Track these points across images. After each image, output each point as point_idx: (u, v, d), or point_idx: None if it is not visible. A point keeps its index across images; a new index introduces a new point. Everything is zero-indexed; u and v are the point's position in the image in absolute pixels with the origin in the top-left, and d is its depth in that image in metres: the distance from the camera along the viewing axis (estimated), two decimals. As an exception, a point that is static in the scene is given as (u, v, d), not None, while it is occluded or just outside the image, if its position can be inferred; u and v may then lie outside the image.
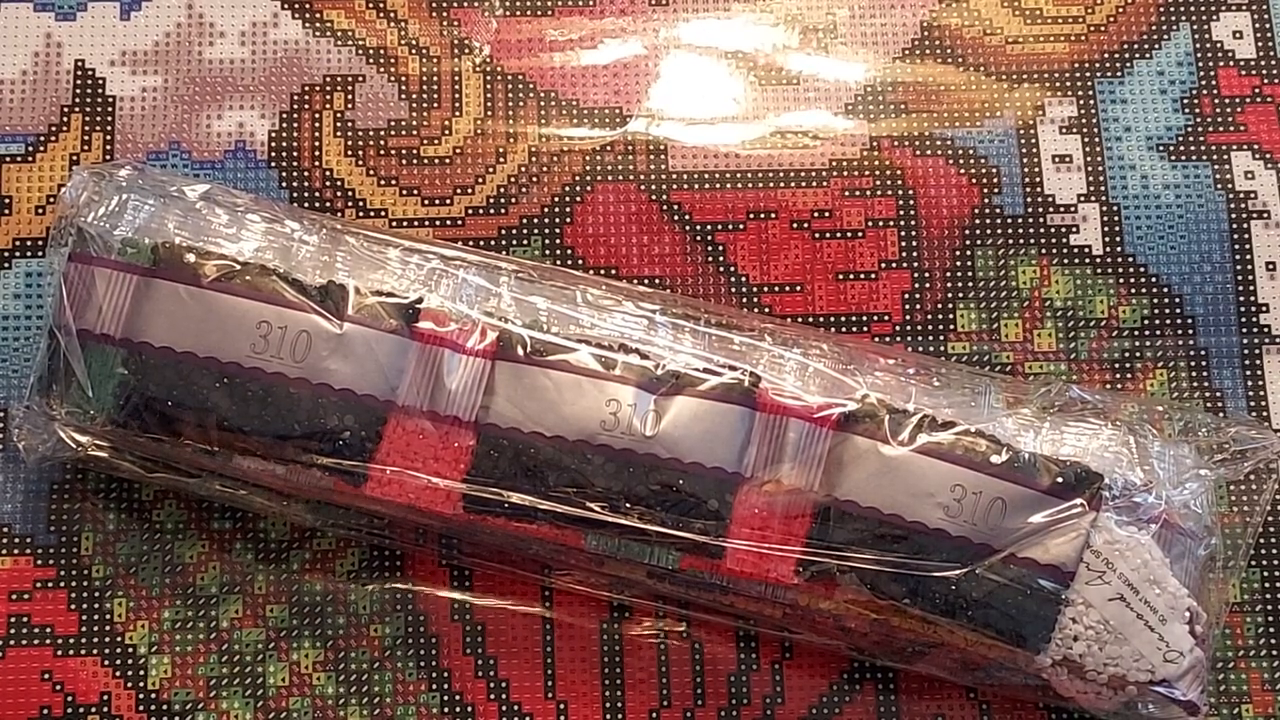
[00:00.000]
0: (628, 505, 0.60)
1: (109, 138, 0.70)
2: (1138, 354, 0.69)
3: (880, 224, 0.70)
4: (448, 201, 0.70)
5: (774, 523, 0.61)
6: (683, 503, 0.61)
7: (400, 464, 0.61)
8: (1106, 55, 0.73)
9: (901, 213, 0.70)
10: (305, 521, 0.65)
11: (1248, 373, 0.69)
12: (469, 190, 0.70)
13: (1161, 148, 0.71)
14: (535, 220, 0.70)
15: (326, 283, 0.61)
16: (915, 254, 0.70)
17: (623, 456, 0.60)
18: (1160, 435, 0.63)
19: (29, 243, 0.69)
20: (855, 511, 0.60)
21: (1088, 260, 0.70)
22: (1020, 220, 0.70)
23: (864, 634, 0.63)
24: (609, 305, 0.64)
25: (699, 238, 0.70)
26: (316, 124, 0.71)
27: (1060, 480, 0.60)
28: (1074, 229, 0.70)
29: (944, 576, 0.60)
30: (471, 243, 0.68)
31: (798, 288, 0.70)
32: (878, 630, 0.63)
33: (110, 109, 0.71)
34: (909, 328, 0.69)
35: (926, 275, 0.70)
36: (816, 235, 0.70)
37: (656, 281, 0.69)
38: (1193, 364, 0.69)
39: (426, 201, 0.70)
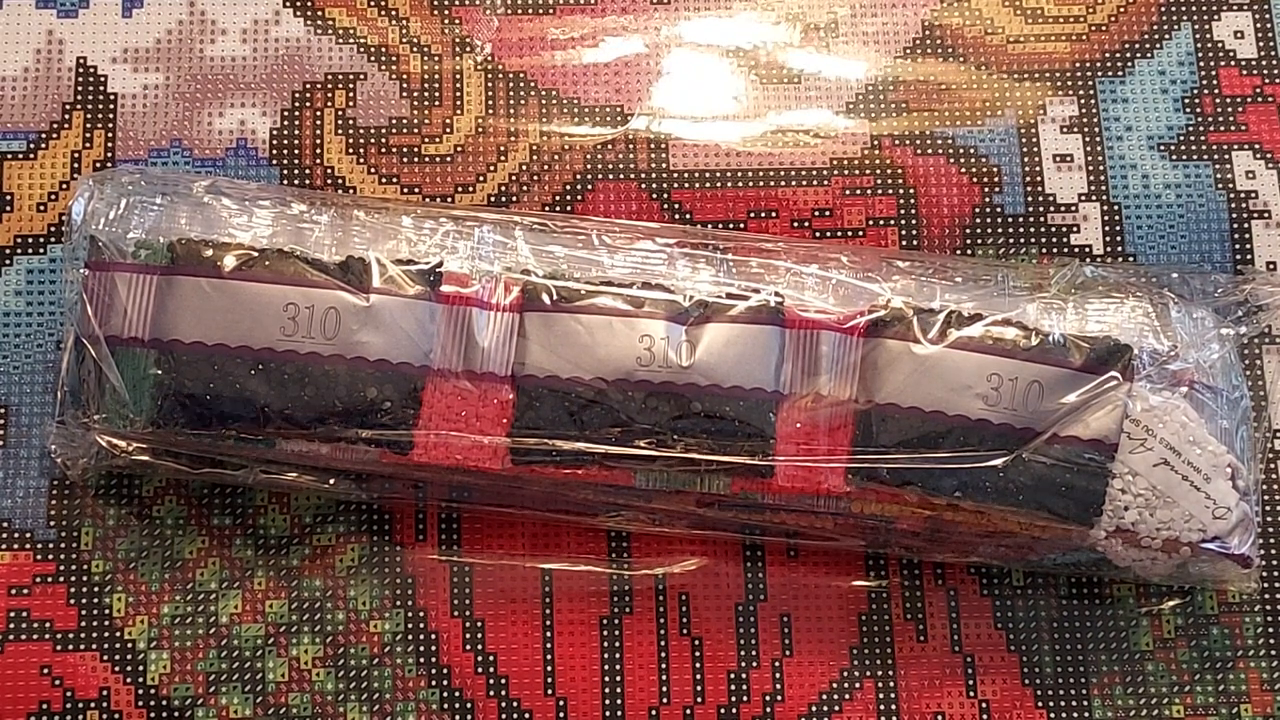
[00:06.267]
0: (674, 437, 0.61)
1: (110, 135, 0.70)
2: (1138, 353, 0.69)
3: (881, 223, 0.70)
4: (449, 199, 0.70)
5: (819, 435, 0.62)
6: (727, 427, 0.61)
7: (443, 427, 0.61)
8: (1108, 54, 0.73)
9: (902, 212, 0.70)
10: (355, 496, 0.65)
11: (1248, 372, 0.69)
12: (470, 188, 0.70)
13: (1162, 147, 0.71)
14: (536, 218, 0.70)
15: (346, 258, 0.62)
16: (916, 253, 0.70)
17: (663, 389, 0.61)
18: (1178, 300, 0.64)
19: (30, 240, 0.69)
20: (897, 414, 0.61)
21: (1088, 260, 0.70)
22: (1021, 219, 0.70)
23: (916, 534, 0.64)
24: (625, 245, 0.64)
25: (700, 236, 0.70)
26: (318, 122, 0.71)
27: (1092, 355, 0.61)
28: (1075, 228, 0.70)
29: (992, 465, 0.60)
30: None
31: (798, 286, 0.70)
32: (930, 528, 0.63)
33: (112, 106, 0.71)
34: (909, 326, 0.69)
35: (927, 274, 0.70)
36: (817, 234, 0.70)
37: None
38: (1193, 363, 0.69)
39: (428, 199, 0.70)
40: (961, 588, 0.67)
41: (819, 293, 0.64)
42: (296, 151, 0.70)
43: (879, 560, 0.67)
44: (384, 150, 0.71)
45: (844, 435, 0.62)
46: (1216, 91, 0.72)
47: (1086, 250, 0.70)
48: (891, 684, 0.66)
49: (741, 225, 0.70)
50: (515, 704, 0.65)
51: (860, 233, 0.70)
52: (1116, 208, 0.71)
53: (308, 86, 0.71)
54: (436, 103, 0.71)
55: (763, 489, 0.62)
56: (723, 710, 0.65)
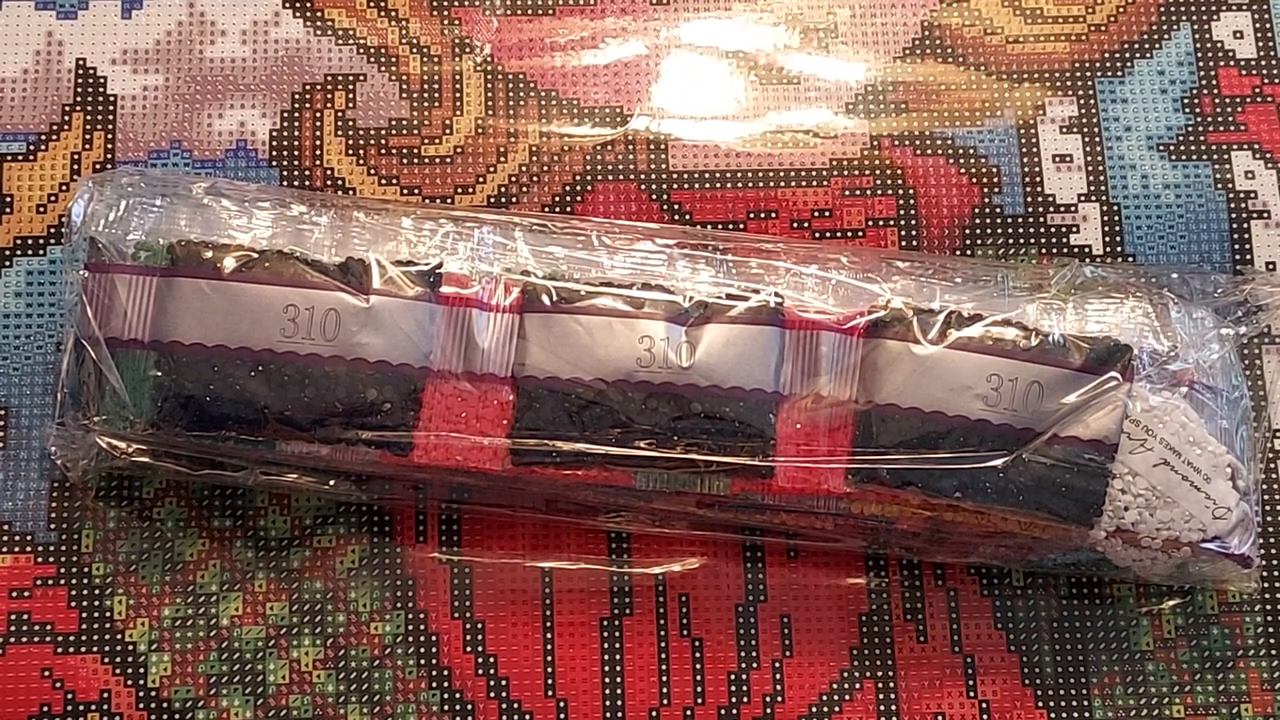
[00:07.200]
0: (674, 438, 0.61)
1: (110, 136, 0.70)
2: (1138, 353, 0.69)
3: (881, 223, 0.70)
4: (449, 200, 0.70)
5: (819, 436, 0.62)
6: (727, 428, 0.61)
7: (443, 428, 0.61)
8: (1107, 55, 0.73)
9: (902, 212, 0.70)
10: (355, 497, 0.65)
11: (1248, 373, 0.69)
12: (470, 189, 0.70)
13: (1162, 147, 0.71)
14: (536, 219, 0.70)
15: (346, 259, 0.62)
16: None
17: (663, 390, 0.61)
18: (1178, 300, 0.65)
19: (30, 241, 0.69)
20: (897, 414, 0.61)
21: (1088, 260, 0.70)
22: (1020, 220, 0.71)
23: (916, 534, 0.64)
24: (624, 245, 0.64)
25: (699, 237, 0.70)
26: (318, 123, 0.71)
27: (1092, 356, 0.61)
28: (1074, 229, 0.70)
29: (992, 466, 0.61)
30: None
31: (798, 287, 0.70)
32: (930, 529, 0.63)
33: (111, 108, 0.71)
34: (909, 327, 0.69)
35: (927, 274, 0.70)
36: (817, 235, 0.70)
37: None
38: (1193, 363, 0.69)
39: (428, 201, 0.70)
40: (961, 588, 0.67)
41: (819, 293, 0.64)
42: (296, 153, 0.70)
43: (879, 561, 0.67)
44: (384, 151, 0.71)
45: (844, 436, 0.62)
46: (1216, 91, 0.72)
47: (1086, 250, 0.70)
48: (891, 685, 0.66)
49: (741, 226, 0.70)
50: (516, 705, 0.65)
51: (860, 233, 0.70)
52: (1116, 208, 0.71)
53: (307, 88, 0.71)
54: (436, 104, 0.71)
55: (763, 490, 0.62)
56: (723, 711, 0.65)
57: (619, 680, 0.66)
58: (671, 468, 0.62)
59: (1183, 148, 0.71)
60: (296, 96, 0.71)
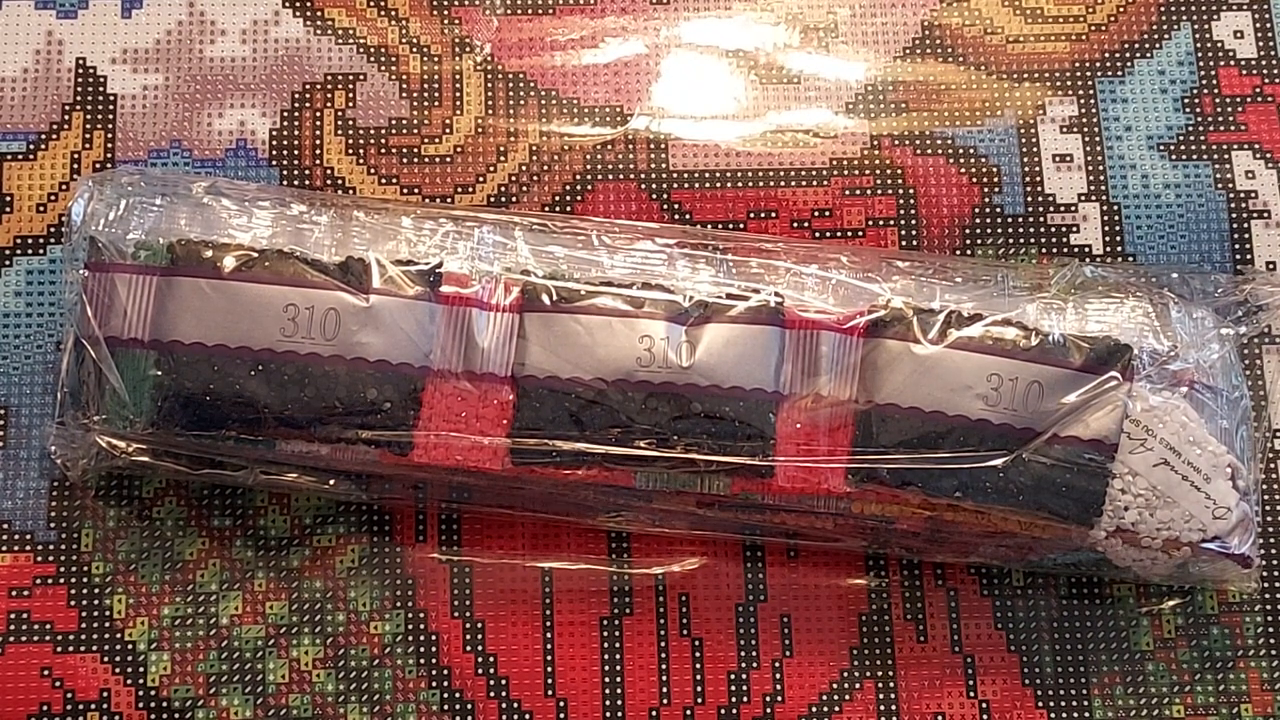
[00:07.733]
0: (674, 438, 0.61)
1: (110, 136, 0.70)
2: (1138, 353, 0.69)
3: (881, 223, 0.70)
4: (449, 200, 0.70)
5: (819, 436, 0.62)
6: (727, 428, 0.61)
7: (443, 427, 0.61)
8: (1107, 54, 0.73)
9: (902, 212, 0.70)
10: (355, 497, 0.65)
11: (1248, 372, 0.69)
12: (470, 189, 0.70)
13: (1162, 147, 0.71)
14: (536, 218, 0.70)
15: (346, 258, 0.62)
16: (916, 253, 0.70)
17: (663, 390, 0.61)
18: (1178, 300, 0.65)
19: (30, 241, 0.69)
20: (897, 414, 0.61)
21: (1088, 260, 0.70)
22: (1021, 219, 0.71)
23: (916, 534, 0.64)
24: (624, 245, 0.64)
25: (699, 236, 0.70)
26: (317, 122, 0.71)
27: (1092, 355, 0.61)
28: (1074, 228, 0.70)
29: (992, 466, 0.61)
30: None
31: (798, 286, 0.70)
32: (930, 528, 0.63)
33: (111, 107, 0.71)
34: (909, 326, 0.69)
35: (927, 274, 0.70)
36: (817, 234, 0.70)
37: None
38: (1193, 363, 0.69)
39: (428, 200, 0.70)
40: (961, 588, 0.67)
41: (819, 293, 0.64)
42: (296, 152, 0.70)
43: (879, 560, 0.67)
44: (384, 151, 0.71)
45: (844, 435, 0.62)
46: (1216, 91, 0.72)
47: (1086, 250, 0.70)
48: (891, 684, 0.66)
49: (741, 225, 0.70)
50: (516, 705, 0.65)
51: (860, 233, 0.70)
52: (1116, 208, 0.71)
53: (307, 87, 0.71)
54: (436, 103, 0.71)
55: (763, 489, 0.62)
56: (723, 711, 0.65)
57: (619, 680, 0.66)
58: (671, 467, 0.62)
59: (1183, 147, 0.71)
60: (296, 96, 0.71)
